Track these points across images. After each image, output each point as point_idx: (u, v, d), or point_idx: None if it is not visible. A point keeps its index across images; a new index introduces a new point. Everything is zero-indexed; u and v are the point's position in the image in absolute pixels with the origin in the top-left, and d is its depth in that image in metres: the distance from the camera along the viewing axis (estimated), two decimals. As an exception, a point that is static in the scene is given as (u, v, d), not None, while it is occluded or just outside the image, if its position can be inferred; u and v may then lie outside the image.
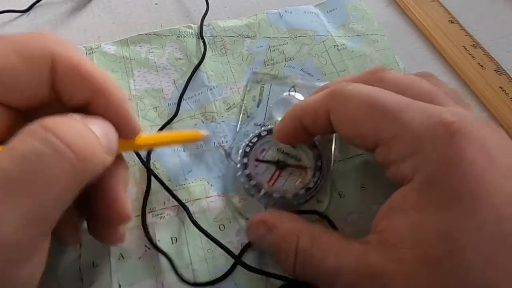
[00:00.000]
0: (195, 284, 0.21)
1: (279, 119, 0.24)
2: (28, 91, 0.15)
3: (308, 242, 0.18)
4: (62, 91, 0.16)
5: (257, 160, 0.24)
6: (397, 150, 0.17)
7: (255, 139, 0.25)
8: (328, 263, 0.17)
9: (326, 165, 0.23)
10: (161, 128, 0.26)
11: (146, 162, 0.25)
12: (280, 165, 0.24)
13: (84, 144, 0.14)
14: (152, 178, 0.24)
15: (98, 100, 0.16)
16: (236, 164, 0.24)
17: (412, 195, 0.17)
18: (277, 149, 0.25)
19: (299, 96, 0.27)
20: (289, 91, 0.28)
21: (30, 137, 0.13)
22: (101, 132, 0.15)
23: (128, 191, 0.23)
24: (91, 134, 0.14)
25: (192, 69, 0.29)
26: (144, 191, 0.24)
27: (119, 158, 0.19)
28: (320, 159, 0.23)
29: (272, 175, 0.24)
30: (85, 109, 0.16)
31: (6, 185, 0.12)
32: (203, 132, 0.23)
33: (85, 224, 0.20)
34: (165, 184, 0.24)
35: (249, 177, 0.23)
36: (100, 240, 0.20)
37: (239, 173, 0.24)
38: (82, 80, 0.16)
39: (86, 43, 0.31)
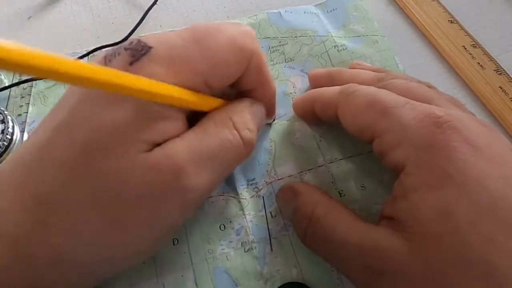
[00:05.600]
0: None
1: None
2: (230, 79, 0.19)
3: (323, 212, 0.19)
4: (241, 78, 0.20)
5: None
6: (389, 140, 0.19)
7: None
8: (336, 234, 0.18)
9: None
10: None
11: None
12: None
13: (250, 138, 0.19)
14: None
15: (261, 90, 0.21)
16: None
17: (407, 179, 0.18)
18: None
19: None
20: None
21: (226, 129, 0.19)
22: (259, 122, 0.21)
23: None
24: (255, 129, 0.20)
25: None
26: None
27: None
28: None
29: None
30: (248, 92, 0.21)
31: (204, 157, 0.17)
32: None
33: None
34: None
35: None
36: None
37: None
38: (260, 75, 0.21)
39: (86, 43, 0.31)
